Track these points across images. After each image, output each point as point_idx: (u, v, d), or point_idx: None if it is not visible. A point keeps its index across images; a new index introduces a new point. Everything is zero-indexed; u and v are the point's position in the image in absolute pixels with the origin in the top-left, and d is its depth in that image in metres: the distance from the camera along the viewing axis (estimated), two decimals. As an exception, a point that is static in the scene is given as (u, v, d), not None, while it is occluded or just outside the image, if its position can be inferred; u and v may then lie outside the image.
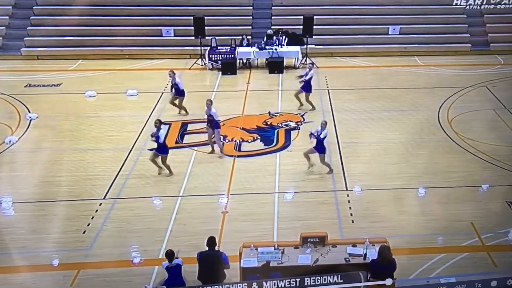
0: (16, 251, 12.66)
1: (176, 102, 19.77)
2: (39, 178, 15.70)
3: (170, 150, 15.68)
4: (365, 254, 10.97)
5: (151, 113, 19.71)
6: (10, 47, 26.72)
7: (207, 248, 10.84)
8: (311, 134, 15.44)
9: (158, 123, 15.37)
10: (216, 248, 10.91)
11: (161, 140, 15.35)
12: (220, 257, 10.74)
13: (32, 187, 15.26)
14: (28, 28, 27.19)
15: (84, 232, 13.37)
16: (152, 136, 15.33)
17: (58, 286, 11.73)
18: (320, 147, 15.51)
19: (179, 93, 19.61)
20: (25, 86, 22.91)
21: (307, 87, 20.05)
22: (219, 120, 17.08)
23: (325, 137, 15.39)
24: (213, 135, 16.93)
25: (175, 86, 19.50)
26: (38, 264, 12.28)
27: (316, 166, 15.91)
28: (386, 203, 14.56)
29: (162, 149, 15.55)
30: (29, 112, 20.11)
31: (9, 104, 20.97)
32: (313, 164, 15.89)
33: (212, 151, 17.19)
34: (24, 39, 26.78)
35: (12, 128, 18.87)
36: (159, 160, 15.67)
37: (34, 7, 27.87)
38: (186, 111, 19.87)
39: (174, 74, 19.46)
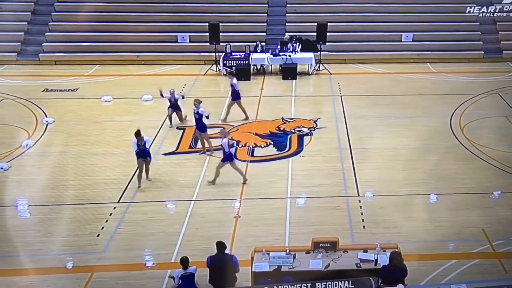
0: (30, 253, 12.83)
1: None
2: (55, 182, 15.93)
3: (183, 155, 15.70)
4: (376, 260, 10.99)
5: (165, 118, 19.88)
6: (28, 53, 27.16)
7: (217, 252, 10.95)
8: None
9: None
10: (227, 252, 11.03)
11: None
12: (230, 260, 10.85)
13: (47, 190, 15.48)
14: (46, 33, 27.62)
15: (98, 235, 13.54)
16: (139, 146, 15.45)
17: (71, 289, 11.89)
18: (229, 156, 15.62)
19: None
20: (42, 91, 23.26)
21: (235, 95, 20.06)
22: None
23: (229, 146, 15.51)
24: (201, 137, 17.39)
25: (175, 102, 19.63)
26: (52, 267, 12.43)
27: (325, 171, 16.02)
28: (398, 209, 14.58)
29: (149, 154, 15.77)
30: (46, 116, 20.43)
31: (27, 108, 21.29)
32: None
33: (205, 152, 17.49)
34: (42, 44, 27.20)
35: (29, 132, 19.13)
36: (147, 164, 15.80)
37: (52, 14, 28.34)
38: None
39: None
